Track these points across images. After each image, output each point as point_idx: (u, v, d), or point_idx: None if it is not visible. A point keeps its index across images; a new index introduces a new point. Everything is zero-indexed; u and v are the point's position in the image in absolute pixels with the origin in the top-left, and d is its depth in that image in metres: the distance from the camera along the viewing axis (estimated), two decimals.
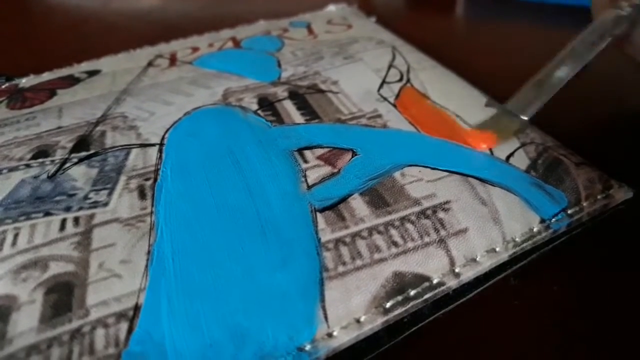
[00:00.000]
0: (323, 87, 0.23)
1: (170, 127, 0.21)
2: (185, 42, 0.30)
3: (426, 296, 0.14)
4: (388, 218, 0.16)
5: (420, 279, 0.14)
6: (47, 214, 0.16)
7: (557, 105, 0.22)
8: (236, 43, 0.29)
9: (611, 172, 0.18)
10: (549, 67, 0.19)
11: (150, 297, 0.14)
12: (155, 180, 0.18)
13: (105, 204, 0.17)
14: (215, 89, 0.24)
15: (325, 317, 0.13)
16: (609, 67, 0.24)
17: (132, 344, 0.12)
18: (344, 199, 0.16)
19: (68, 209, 0.17)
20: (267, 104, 0.22)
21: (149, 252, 0.15)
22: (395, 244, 0.15)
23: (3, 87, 0.26)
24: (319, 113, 0.21)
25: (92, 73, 0.27)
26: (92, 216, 0.16)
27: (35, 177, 0.18)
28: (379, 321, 0.13)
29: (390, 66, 0.25)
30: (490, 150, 0.19)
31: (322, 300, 0.13)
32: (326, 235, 0.15)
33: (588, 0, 0.21)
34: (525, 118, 0.19)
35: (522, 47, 0.20)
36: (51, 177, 0.18)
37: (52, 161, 0.19)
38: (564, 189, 0.17)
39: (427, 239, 0.15)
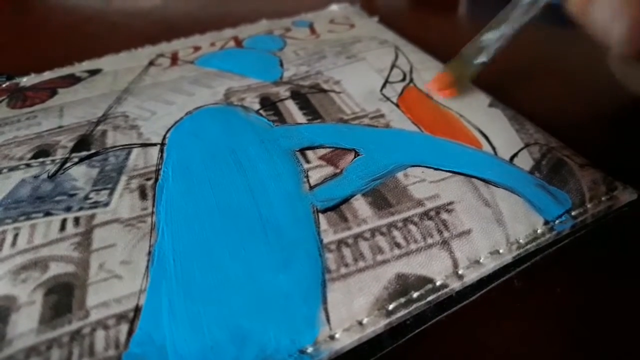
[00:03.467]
0: (325, 86, 0.23)
1: (172, 126, 0.21)
2: (186, 41, 0.30)
3: (429, 298, 0.14)
4: (391, 219, 0.16)
5: (423, 281, 0.14)
6: (47, 214, 0.16)
7: (561, 106, 0.22)
8: (238, 42, 0.29)
9: (615, 174, 0.17)
10: (496, 17, 0.21)
11: (150, 298, 0.13)
12: (157, 180, 0.18)
13: (106, 204, 0.17)
14: (217, 88, 0.24)
15: (328, 319, 0.13)
16: None
17: (133, 346, 0.12)
18: (346, 200, 0.16)
19: (68, 209, 0.17)
20: (269, 104, 0.22)
21: (149, 253, 0.15)
22: (398, 245, 0.15)
23: (4, 86, 0.26)
24: (321, 113, 0.21)
25: (93, 72, 0.27)
26: (92, 216, 0.16)
27: (36, 177, 0.18)
28: (382, 323, 0.13)
29: (393, 66, 0.25)
30: (493, 148, 0.18)
31: (325, 302, 0.13)
32: (328, 236, 0.15)
33: None
34: (483, 59, 0.21)
35: (524, 46, 0.20)
36: (51, 177, 0.18)
37: (53, 161, 0.19)
38: (567, 191, 0.17)
39: (430, 241, 0.15)
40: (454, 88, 0.22)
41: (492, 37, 0.21)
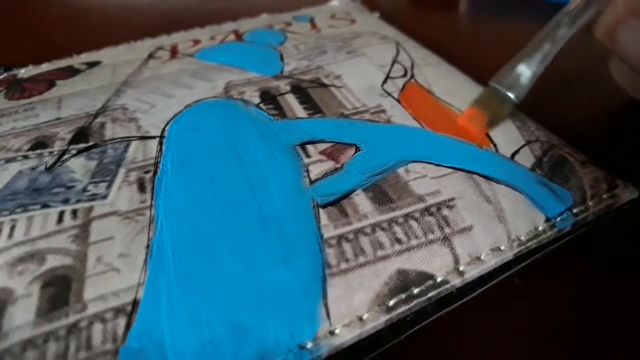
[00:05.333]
0: (326, 81, 0.23)
1: (171, 119, 0.21)
2: (186, 34, 0.30)
3: (430, 294, 0.14)
4: (392, 215, 0.16)
5: (424, 277, 0.14)
6: (45, 206, 0.16)
7: (563, 103, 0.22)
8: (238, 36, 0.29)
9: (616, 172, 0.17)
10: (529, 47, 0.19)
11: (149, 292, 0.13)
12: (155, 173, 0.18)
13: (104, 197, 0.17)
14: (217, 81, 0.23)
15: (328, 315, 0.13)
16: None
17: (131, 340, 0.12)
18: (347, 195, 0.16)
19: (66, 201, 0.16)
20: (269, 98, 0.22)
21: (148, 246, 0.15)
22: (398, 241, 0.15)
23: (1, 77, 0.26)
24: (322, 107, 0.21)
25: (92, 64, 0.26)
26: (90, 209, 0.16)
27: (33, 169, 0.18)
28: (382, 319, 0.13)
29: (394, 61, 0.25)
30: (494, 144, 0.18)
31: (325, 297, 0.13)
32: (329, 231, 0.15)
33: None
34: (514, 97, 0.19)
35: (525, 43, 0.20)
36: (49, 169, 0.18)
37: (51, 152, 0.19)
38: (569, 188, 0.17)
39: (431, 237, 0.15)
40: (490, 126, 0.20)
41: (527, 74, 0.19)
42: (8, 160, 0.18)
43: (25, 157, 0.19)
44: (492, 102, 0.20)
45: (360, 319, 0.13)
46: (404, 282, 0.14)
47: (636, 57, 0.16)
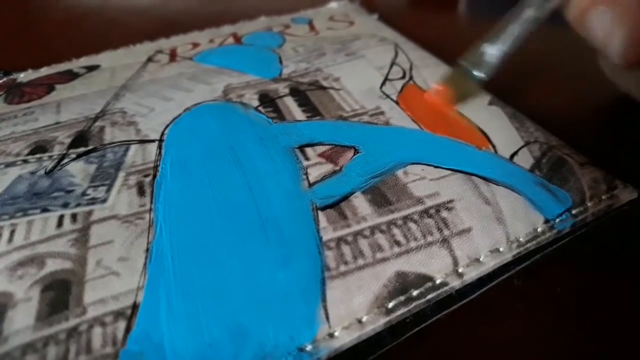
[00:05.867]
0: (325, 83, 0.23)
1: (170, 123, 0.21)
2: (185, 37, 0.30)
3: (429, 296, 0.14)
4: (390, 217, 0.16)
5: (423, 279, 0.14)
6: (45, 210, 0.16)
7: (561, 104, 0.22)
8: (237, 39, 0.29)
9: (616, 172, 0.17)
10: (496, 27, 0.20)
11: (148, 295, 0.13)
12: (155, 176, 0.18)
13: (104, 201, 0.17)
14: (216, 85, 0.23)
15: (327, 317, 0.13)
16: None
17: (130, 343, 0.12)
18: (345, 197, 0.16)
19: (65, 206, 0.16)
20: (268, 101, 0.22)
21: (147, 250, 0.15)
22: (397, 243, 0.15)
23: (1, 81, 0.26)
24: (321, 110, 0.21)
25: (91, 68, 0.26)
26: (90, 213, 0.16)
27: (33, 173, 0.18)
28: (381, 321, 0.13)
29: (392, 63, 0.25)
30: (493, 146, 0.18)
31: (324, 300, 0.13)
32: (328, 233, 0.15)
33: None
34: (483, 75, 0.20)
35: (524, 45, 0.20)
36: (49, 173, 0.18)
37: (50, 157, 0.19)
38: (568, 189, 0.17)
39: (430, 239, 0.15)
40: (457, 101, 0.21)
41: (494, 53, 0.20)
42: (8, 165, 0.18)
43: (25, 161, 0.19)
44: (458, 78, 0.21)
45: (360, 321, 0.13)
46: (403, 284, 0.14)
47: (603, 43, 0.17)
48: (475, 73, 0.20)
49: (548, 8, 0.19)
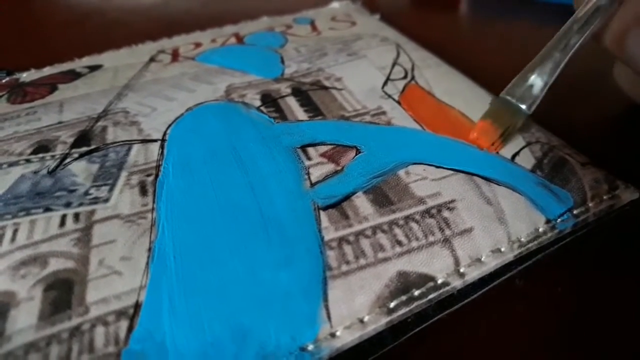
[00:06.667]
0: (327, 83, 0.23)
1: (172, 122, 0.21)
2: (187, 37, 0.30)
3: (430, 296, 0.14)
4: (392, 217, 0.16)
5: (424, 279, 0.14)
6: (47, 209, 0.16)
7: (563, 104, 0.22)
8: (239, 39, 0.29)
9: (617, 172, 0.17)
10: (538, 57, 0.19)
11: (151, 294, 0.13)
12: (157, 176, 0.18)
13: (106, 200, 0.17)
14: (218, 84, 0.23)
15: (329, 317, 0.13)
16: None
17: (132, 343, 0.12)
18: (347, 197, 0.16)
19: (68, 205, 0.16)
20: (270, 101, 0.22)
21: (149, 249, 0.15)
22: (399, 243, 0.15)
23: (4, 81, 0.26)
24: (323, 110, 0.21)
25: (93, 68, 0.27)
26: (92, 212, 0.16)
27: (36, 172, 0.18)
28: (383, 321, 0.13)
29: (394, 64, 0.25)
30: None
31: (325, 299, 0.13)
32: (329, 233, 0.15)
33: None
34: (526, 109, 0.18)
35: (526, 45, 0.20)
36: (51, 173, 0.18)
37: (53, 156, 0.19)
38: (569, 189, 0.17)
39: (431, 239, 0.15)
40: (503, 140, 0.19)
41: (539, 84, 0.18)
42: (11, 164, 0.19)
43: (28, 160, 0.19)
44: (505, 114, 0.19)
45: (361, 321, 0.13)
46: (404, 284, 0.14)
47: None
48: (522, 106, 0.19)
49: (589, 32, 0.18)
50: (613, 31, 0.17)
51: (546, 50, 0.19)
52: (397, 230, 0.15)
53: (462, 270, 0.14)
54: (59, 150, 0.19)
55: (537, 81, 0.19)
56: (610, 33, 0.17)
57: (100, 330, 0.13)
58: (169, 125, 0.20)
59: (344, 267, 0.14)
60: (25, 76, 0.26)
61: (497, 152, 0.18)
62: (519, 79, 0.19)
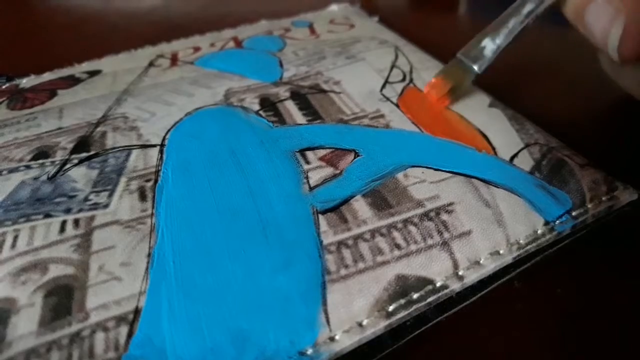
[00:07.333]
0: (325, 87, 0.23)
1: (172, 127, 0.21)
2: (186, 41, 0.30)
3: (429, 299, 0.14)
4: (391, 220, 0.16)
5: (423, 282, 0.14)
6: (47, 215, 0.16)
7: (562, 106, 0.22)
8: (238, 43, 0.29)
9: (616, 174, 0.17)
10: (494, 22, 0.21)
11: (150, 300, 0.13)
12: (156, 181, 0.18)
13: (106, 206, 0.17)
14: (217, 89, 0.24)
15: (327, 321, 0.13)
16: None
17: (132, 348, 0.12)
18: (346, 201, 0.16)
19: (68, 211, 0.16)
20: (268, 105, 0.22)
21: (149, 255, 0.15)
22: (398, 246, 0.15)
23: (3, 87, 0.26)
24: (321, 113, 0.21)
25: (92, 73, 0.27)
26: (92, 218, 0.16)
27: (35, 179, 0.18)
28: (382, 325, 0.13)
29: (393, 66, 0.25)
30: (493, 148, 0.18)
31: (324, 303, 0.13)
32: (328, 237, 0.15)
33: None
34: (477, 69, 0.21)
35: (524, 46, 0.20)
36: (51, 179, 0.18)
37: (53, 162, 0.19)
38: (568, 191, 0.17)
39: (430, 242, 0.15)
40: (452, 96, 0.21)
41: (491, 47, 0.21)
42: (11, 171, 0.19)
43: (28, 167, 0.19)
44: (456, 72, 0.21)
45: (360, 324, 0.13)
46: (403, 287, 0.14)
47: (600, 37, 0.17)
48: (473, 66, 0.21)
49: (547, 3, 0.19)
50: (573, 2, 0.18)
51: (502, 16, 0.21)
52: (396, 234, 0.15)
53: (460, 273, 0.14)
54: (59, 156, 0.19)
55: (490, 44, 0.21)
56: (570, 3, 0.18)
57: (100, 336, 0.13)
58: (168, 130, 0.21)
59: (343, 271, 0.14)
60: (25, 82, 0.26)
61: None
62: (475, 40, 0.21)
